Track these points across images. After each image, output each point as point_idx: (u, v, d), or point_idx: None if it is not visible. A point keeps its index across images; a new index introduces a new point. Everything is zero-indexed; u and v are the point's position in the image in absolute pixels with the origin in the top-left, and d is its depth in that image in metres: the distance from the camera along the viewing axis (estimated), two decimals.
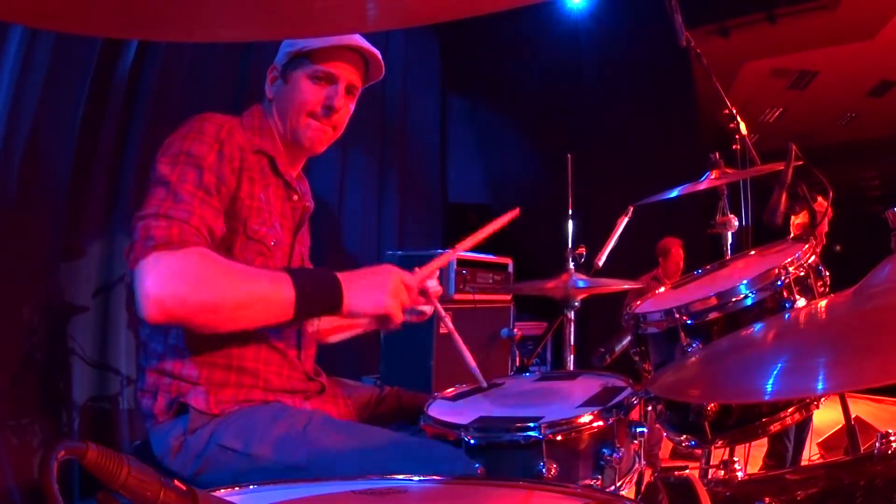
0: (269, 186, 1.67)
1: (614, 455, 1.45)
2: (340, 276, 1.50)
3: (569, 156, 2.82)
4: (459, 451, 1.39)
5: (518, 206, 1.89)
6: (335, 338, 2.01)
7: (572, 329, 2.58)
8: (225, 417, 1.50)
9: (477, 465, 1.40)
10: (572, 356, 2.64)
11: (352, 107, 1.76)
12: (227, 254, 1.52)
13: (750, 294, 1.49)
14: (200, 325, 1.40)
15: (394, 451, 1.38)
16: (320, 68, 1.68)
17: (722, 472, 1.23)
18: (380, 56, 1.75)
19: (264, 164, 1.66)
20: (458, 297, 3.80)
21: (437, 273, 1.86)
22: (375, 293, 1.51)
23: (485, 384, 1.72)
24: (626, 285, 2.58)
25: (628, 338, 1.78)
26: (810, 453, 3.54)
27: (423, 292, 1.81)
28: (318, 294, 1.47)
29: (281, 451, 1.41)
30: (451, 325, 1.76)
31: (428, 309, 1.88)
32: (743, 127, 2.70)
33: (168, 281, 1.32)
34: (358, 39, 1.72)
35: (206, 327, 1.41)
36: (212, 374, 1.53)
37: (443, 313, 1.79)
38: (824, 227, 3.31)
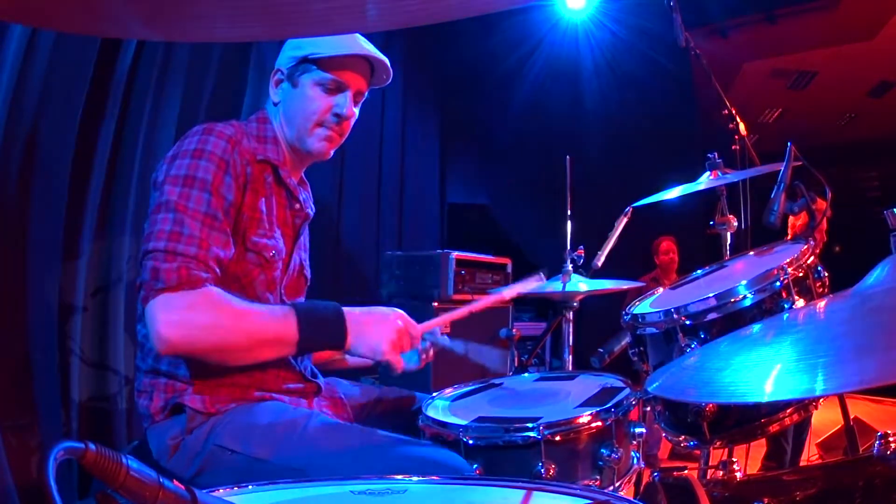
0: (272, 196, 1.67)
1: (613, 455, 1.45)
2: (348, 315, 1.54)
3: (567, 157, 2.82)
4: (457, 454, 1.40)
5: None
6: (321, 365, 2.00)
7: (571, 329, 2.58)
8: (222, 416, 1.50)
9: (476, 466, 1.40)
10: (571, 357, 2.64)
11: (357, 111, 1.76)
12: (228, 266, 1.53)
13: (749, 295, 1.49)
14: (210, 362, 1.48)
15: (392, 453, 1.39)
16: (330, 77, 1.67)
17: (721, 473, 1.23)
18: (388, 62, 1.75)
19: (267, 173, 1.66)
20: (456, 297, 3.80)
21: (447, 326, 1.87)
22: (377, 341, 1.54)
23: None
24: (625, 286, 2.58)
25: (627, 338, 1.78)
26: (809, 454, 3.54)
27: (432, 336, 1.81)
28: (322, 335, 1.52)
29: (279, 453, 1.42)
30: (468, 347, 1.77)
31: (423, 360, 1.87)
32: (742, 127, 2.71)
33: (177, 325, 1.39)
34: (366, 46, 1.71)
35: (216, 363, 1.49)
36: (207, 375, 1.54)
37: (459, 347, 1.79)
38: (823, 227, 3.32)
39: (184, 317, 1.39)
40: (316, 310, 1.53)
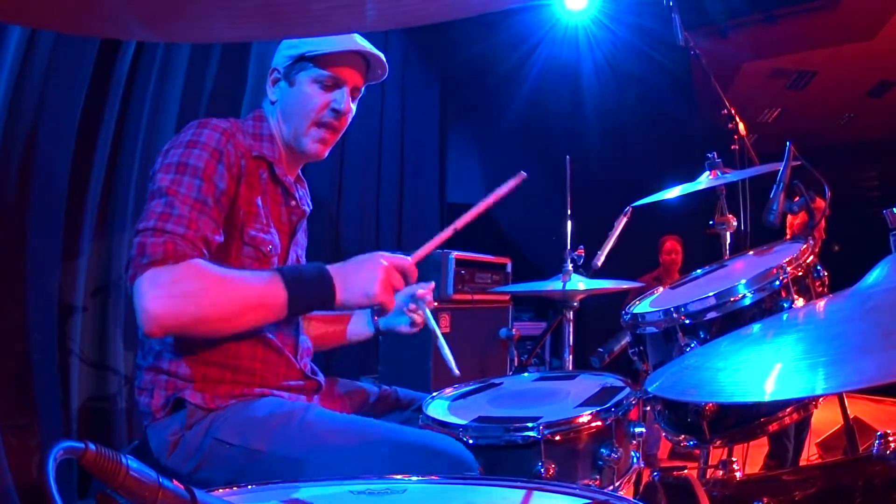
0: (268, 192, 1.67)
1: (613, 455, 1.45)
2: (331, 269, 1.52)
3: (567, 157, 2.82)
4: (456, 441, 1.40)
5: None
6: (322, 346, 2.00)
7: (571, 329, 2.59)
8: (222, 412, 1.51)
9: (472, 442, 1.41)
10: (571, 356, 2.64)
11: (354, 107, 1.77)
12: (224, 261, 1.53)
13: (748, 294, 1.50)
14: (199, 335, 1.48)
15: (391, 440, 1.39)
16: (327, 73, 1.68)
17: (720, 473, 1.23)
18: (384, 58, 1.76)
19: (263, 170, 1.67)
20: (456, 297, 3.80)
21: (433, 287, 1.87)
22: (366, 284, 1.52)
23: (456, 372, 1.71)
24: (625, 285, 2.59)
25: (627, 338, 1.78)
26: (809, 453, 3.55)
27: (417, 300, 1.83)
28: (310, 292, 1.50)
29: (278, 445, 1.42)
30: (440, 334, 1.75)
31: (419, 317, 1.89)
32: (741, 127, 2.71)
33: (164, 298, 1.37)
34: (361, 43, 1.72)
35: (205, 336, 1.49)
36: (208, 372, 1.55)
37: (435, 327, 1.78)
38: (821, 226, 3.32)
39: (170, 289, 1.37)
40: (300, 269, 1.54)
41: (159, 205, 1.45)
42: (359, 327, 2.01)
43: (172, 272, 1.39)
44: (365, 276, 1.52)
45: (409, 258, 1.61)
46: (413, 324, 1.90)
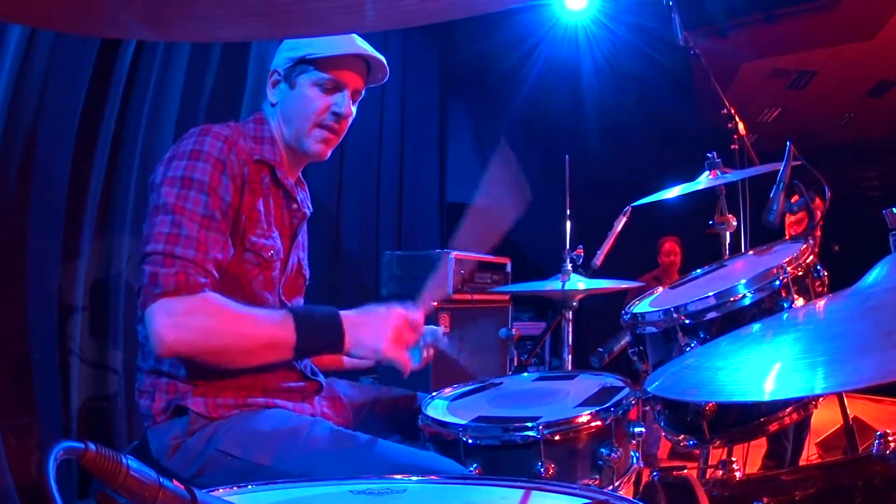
0: (269, 196, 1.67)
1: (612, 455, 1.45)
2: (344, 317, 1.52)
3: (567, 156, 2.82)
4: (459, 463, 1.40)
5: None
6: (320, 366, 1.99)
7: (570, 329, 2.59)
8: (225, 421, 1.51)
9: (475, 466, 1.41)
10: (570, 356, 2.64)
11: (355, 110, 1.77)
12: (227, 266, 1.53)
13: (748, 294, 1.50)
14: (208, 365, 1.49)
15: (396, 463, 1.38)
16: (328, 77, 1.68)
17: (720, 473, 1.23)
18: (385, 61, 1.76)
19: (264, 174, 1.67)
20: (456, 297, 3.80)
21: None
22: (376, 341, 1.52)
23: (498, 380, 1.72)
24: (625, 285, 2.58)
25: (627, 338, 1.78)
26: (808, 453, 3.54)
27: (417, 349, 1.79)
28: (320, 339, 1.52)
29: (281, 461, 1.42)
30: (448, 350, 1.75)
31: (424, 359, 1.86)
32: (741, 127, 2.71)
33: (176, 329, 1.40)
34: (362, 45, 1.72)
35: (214, 367, 1.50)
36: (209, 376, 1.54)
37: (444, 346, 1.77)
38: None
39: (182, 321, 1.40)
40: (313, 314, 1.53)
41: (166, 223, 1.46)
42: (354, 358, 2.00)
43: (185, 304, 1.41)
44: (377, 332, 1.52)
45: (418, 313, 1.60)
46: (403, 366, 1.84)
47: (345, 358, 2.00)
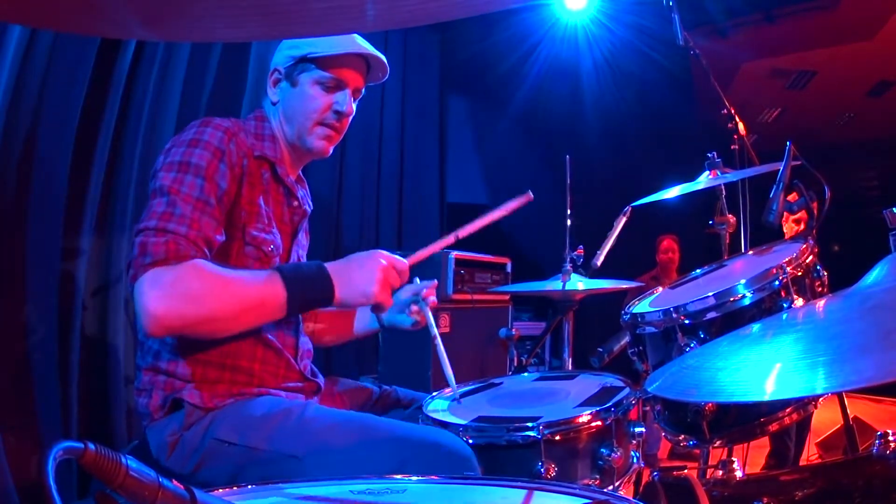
0: (270, 192, 1.68)
1: (612, 455, 1.45)
2: (330, 268, 1.53)
3: (567, 156, 2.82)
4: (455, 436, 1.40)
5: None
6: (330, 340, 2.02)
7: (570, 329, 2.59)
8: (220, 411, 1.51)
9: (472, 442, 1.41)
10: (570, 356, 2.64)
11: (355, 108, 1.78)
12: (225, 260, 1.53)
13: (748, 294, 1.50)
14: (200, 335, 1.48)
15: (390, 436, 1.39)
16: (329, 76, 1.69)
17: (720, 473, 1.23)
18: (385, 60, 1.76)
19: (265, 170, 1.67)
20: (456, 296, 3.80)
21: (435, 288, 1.88)
22: (365, 283, 1.53)
23: (456, 392, 1.73)
24: (625, 285, 2.58)
25: (627, 338, 1.79)
26: (809, 453, 3.54)
27: (419, 302, 1.83)
28: (309, 290, 1.51)
29: (277, 442, 1.42)
30: (439, 341, 1.75)
31: (422, 317, 1.89)
32: (741, 127, 2.71)
33: (165, 298, 1.37)
34: (363, 44, 1.72)
35: (207, 336, 1.49)
36: (206, 372, 1.55)
37: (435, 332, 1.78)
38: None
39: (171, 289, 1.38)
40: (300, 268, 1.54)
41: (161, 204, 1.45)
42: (364, 321, 2.03)
43: (174, 272, 1.39)
44: (364, 275, 1.54)
45: (405, 260, 1.63)
46: (415, 324, 1.91)
47: (355, 326, 2.01)
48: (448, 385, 1.71)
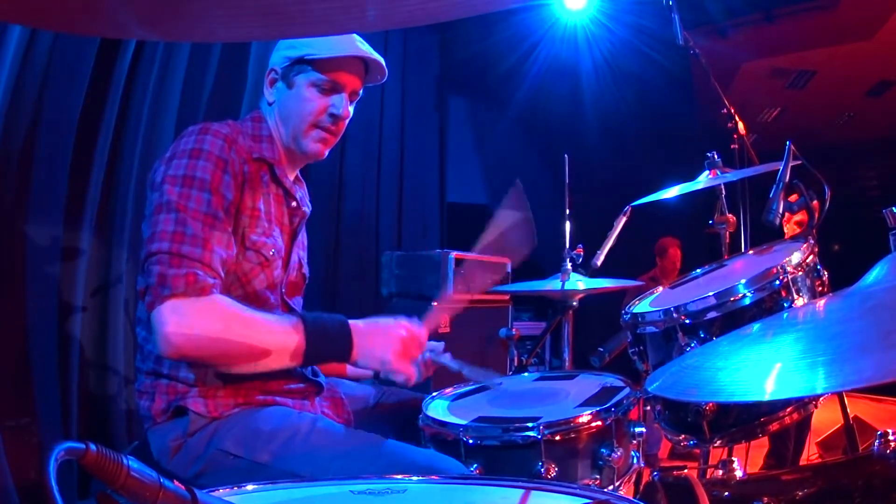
0: (269, 194, 1.67)
1: (613, 455, 1.45)
2: (353, 327, 1.54)
3: (566, 156, 2.82)
4: (459, 462, 1.40)
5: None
6: (329, 373, 1.99)
7: (570, 329, 2.58)
8: (225, 420, 1.51)
9: (476, 466, 1.41)
10: (570, 356, 2.64)
11: (352, 110, 1.77)
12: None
13: (748, 294, 1.49)
14: (215, 368, 1.50)
15: (397, 461, 1.38)
16: (326, 78, 1.67)
17: (720, 472, 1.23)
18: (383, 62, 1.75)
19: (264, 172, 1.67)
20: (456, 296, 3.79)
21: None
22: (383, 352, 1.54)
23: (498, 381, 1.73)
24: (625, 285, 2.58)
25: (627, 337, 1.78)
26: (809, 453, 3.54)
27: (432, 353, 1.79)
28: (328, 347, 1.52)
29: (282, 460, 1.42)
30: (466, 370, 1.75)
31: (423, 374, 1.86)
32: (741, 126, 2.71)
33: (185, 331, 1.39)
34: (361, 46, 1.71)
35: (220, 369, 1.51)
36: (208, 376, 1.54)
37: (456, 366, 1.77)
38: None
39: (192, 324, 1.39)
40: (323, 322, 1.53)
41: (170, 222, 1.45)
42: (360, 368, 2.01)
43: (194, 306, 1.41)
44: (384, 344, 1.54)
45: (423, 328, 1.62)
46: (406, 379, 1.71)
47: (348, 368, 2.01)
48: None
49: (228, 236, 1.51)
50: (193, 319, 1.40)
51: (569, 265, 2.46)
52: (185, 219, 1.45)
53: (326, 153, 1.76)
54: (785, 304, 1.48)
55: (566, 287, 2.38)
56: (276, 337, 1.47)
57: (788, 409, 1.49)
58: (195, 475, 1.46)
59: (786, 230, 3.78)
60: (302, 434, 1.47)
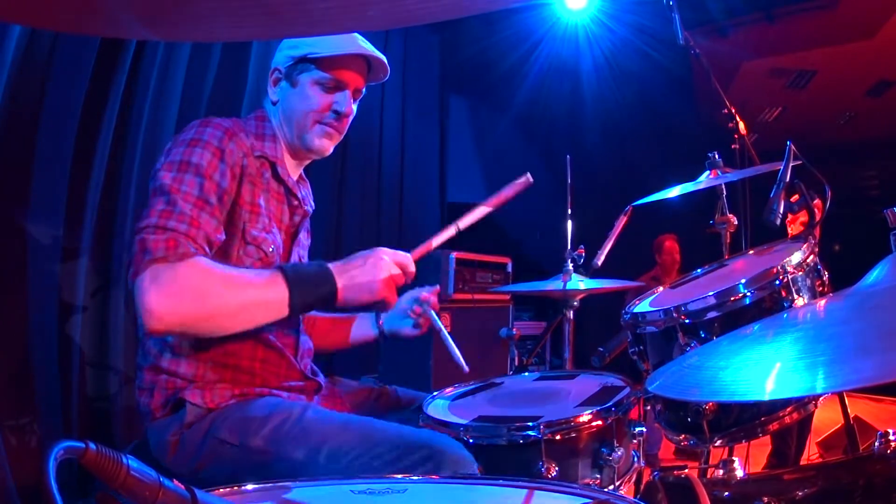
0: (270, 192, 1.68)
1: (613, 454, 1.45)
2: (333, 267, 1.53)
3: (567, 156, 2.82)
4: (455, 440, 1.40)
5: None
6: (324, 349, 2.00)
7: (571, 329, 2.58)
8: (221, 411, 1.51)
9: (476, 465, 1.40)
10: (571, 356, 2.64)
11: (355, 108, 1.77)
12: (225, 260, 1.53)
13: (748, 293, 1.49)
14: (200, 333, 1.47)
15: (390, 440, 1.38)
16: (329, 76, 1.68)
17: (721, 472, 1.23)
18: (385, 60, 1.76)
19: (265, 169, 1.67)
20: (457, 296, 3.80)
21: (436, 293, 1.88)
22: (368, 281, 1.53)
23: (466, 368, 1.74)
24: (626, 285, 2.58)
25: (627, 337, 1.78)
26: (809, 453, 3.54)
27: (421, 303, 1.83)
28: (312, 290, 1.50)
29: (276, 444, 1.42)
30: (445, 332, 1.76)
31: (424, 320, 1.89)
32: (742, 126, 2.71)
33: (166, 295, 1.36)
34: (363, 45, 1.72)
35: (207, 334, 1.48)
36: (207, 372, 1.55)
37: (440, 325, 1.79)
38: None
39: (171, 286, 1.37)
40: (302, 267, 1.54)
41: (161, 202, 1.45)
42: (362, 329, 2.02)
43: (174, 269, 1.38)
44: (367, 273, 1.53)
45: (409, 255, 1.62)
46: (416, 326, 1.91)
47: (352, 333, 2.01)
48: (460, 370, 1.73)
49: (218, 222, 1.51)
50: (172, 281, 1.37)
51: (570, 265, 2.46)
52: (175, 199, 1.45)
53: (331, 149, 1.77)
54: (785, 304, 1.48)
55: (567, 287, 2.38)
56: (259, 291, 1.46)
57: (788, 409, 1.49)
58: (194, 469, 1.47)
59: (790, 230, 3.78)
60: (294, 417, 1.47)
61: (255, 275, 1.49)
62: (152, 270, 1.37)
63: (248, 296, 1.45)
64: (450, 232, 1.78)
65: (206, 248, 1.46)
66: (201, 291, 1.40)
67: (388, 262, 1.56)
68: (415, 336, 1.93)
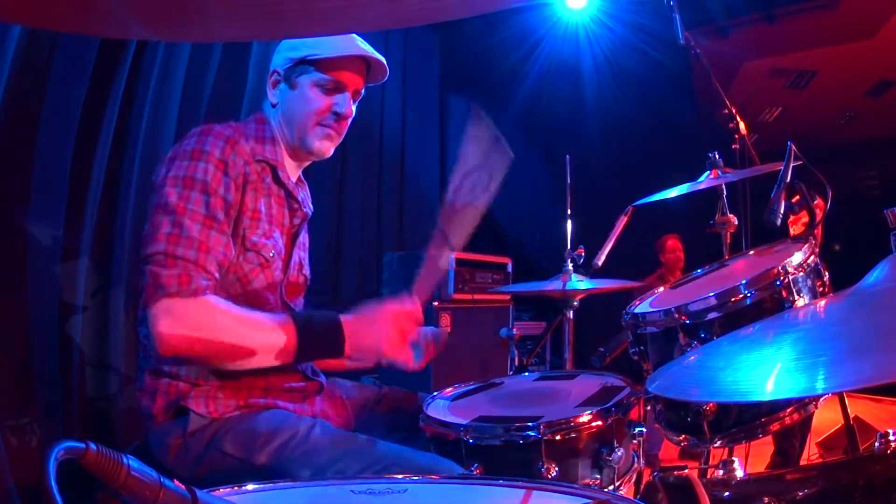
0: (271, 195, 1.68)
1: (613, 455, 1.45)
2: (344, 322, 1.52)
3: (567, 156, 2.82)
4: (459, 465, 1.40)
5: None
6: (328, 368, 1.99)
7: (571, 329, 2.58)
8: (225, 422, 1.51)
9: (476, 465, 1.41)
10: (571, 356, 2.64)
11: (355, 109, 1.77)
12: (228, 266, 1.53)
13: (749, 294, 1.49)
14: (208, 364, 1.51)
15: (395, 465, 1.38)
16: (329, 78, 1.68)
17: (721, 472, 1.23)
18: (384, 61, 1.76)
19: (266, 174, 1.67)
20: (457, 296, 3.80)
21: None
22: (377, 342, 1.53)
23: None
24: (626, 285, 2.58)
25: (628, 337, 1.78)
26: (809, 453, 3.54)
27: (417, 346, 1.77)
28: (320, 343, 1.52)
29: (281, 462, 1.42)
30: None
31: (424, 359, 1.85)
32: (742, 126, 2.70)
33: (178, 330, 1.40)
34: (362, 46, 1.72)
35: (214, 366, 1.52)
36: (209, 376, 1.54)
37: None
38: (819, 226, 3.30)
39: (184, 323, 1.40)
40: (313, 319, 1.53)
41: (167, 224, 1.46)
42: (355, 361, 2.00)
43: (186, 306, 1.41)
44: (375, 332, 1.53)
45: (416, 303, 1.59)
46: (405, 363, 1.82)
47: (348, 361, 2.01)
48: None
49: (227, 238, 1.52)
50: (185, 320, 1.41)
51: (570, 266, 2.46)
52: (181, 220, 1.46)
53: (332, 151, 1.77)
54: (786, 305, 1.48)
55: (567, 287, 2.38)
56: (267, 335, 1.48)
57: (789, 410, 1.49)
58: (194, 475, 1.46)
59: (792, 230, 3.77)
60: (300, 436, 1.47)
61: (266, 320, 1.50)
62: (165, 304, 1.40)
63: (256, 341, 1.47)
64: (445, 259, 1.77)
65: (217, 274, 1.49)
66: (212, 332, 1.43)
67: (397, 323, 1.53)
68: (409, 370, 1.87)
